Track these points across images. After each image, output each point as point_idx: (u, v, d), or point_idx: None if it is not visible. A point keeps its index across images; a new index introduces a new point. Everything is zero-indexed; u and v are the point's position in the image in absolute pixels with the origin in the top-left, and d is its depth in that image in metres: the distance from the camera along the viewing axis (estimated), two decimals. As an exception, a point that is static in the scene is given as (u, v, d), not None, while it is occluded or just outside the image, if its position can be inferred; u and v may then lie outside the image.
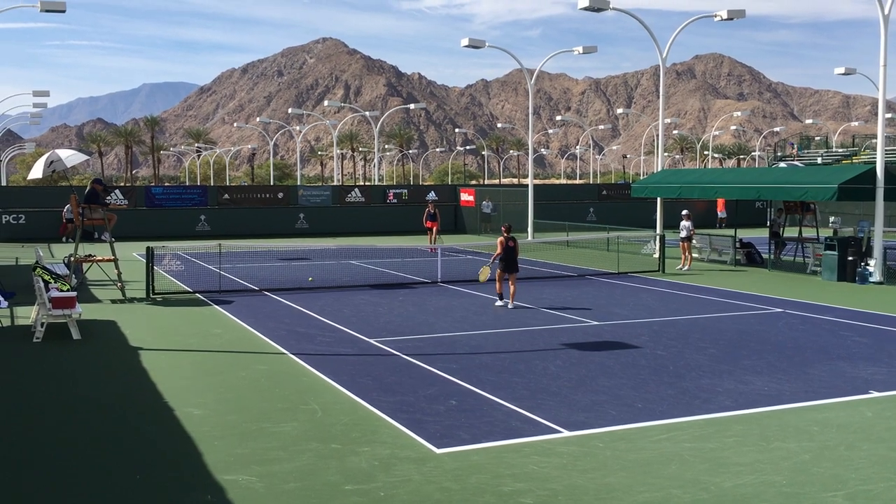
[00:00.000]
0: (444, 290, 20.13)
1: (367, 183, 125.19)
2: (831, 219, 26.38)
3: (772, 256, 26.04)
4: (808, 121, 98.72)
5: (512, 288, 17.31)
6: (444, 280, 21.58)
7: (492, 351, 12.95)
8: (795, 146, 60.15)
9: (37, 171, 18.49)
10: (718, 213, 45.04)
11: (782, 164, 49.36)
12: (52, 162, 18.45)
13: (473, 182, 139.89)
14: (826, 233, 27.08)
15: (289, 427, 8.93)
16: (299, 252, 29.98)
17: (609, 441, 8.44)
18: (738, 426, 8.98)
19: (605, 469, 7.64)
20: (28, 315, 15.74)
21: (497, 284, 17.68)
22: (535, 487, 7.18)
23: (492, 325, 15.25)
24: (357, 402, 9.90)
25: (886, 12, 21.66)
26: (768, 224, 28.16)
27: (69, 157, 19.00)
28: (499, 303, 17.57)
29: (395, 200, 44.88)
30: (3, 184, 75.25)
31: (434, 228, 31.63)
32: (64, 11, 25.92)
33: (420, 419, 9.15)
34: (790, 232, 28.48)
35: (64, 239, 34.99)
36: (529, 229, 35.58)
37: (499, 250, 17.29)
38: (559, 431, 8.74)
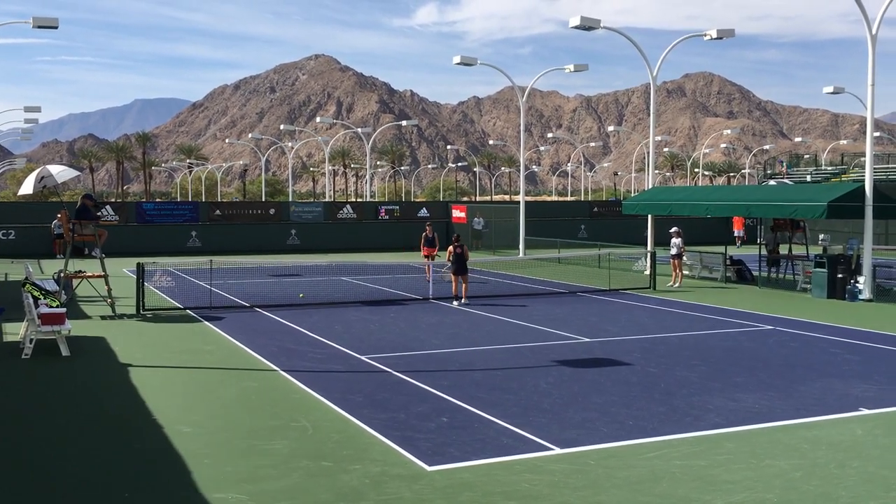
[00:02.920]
0: (436, 307, 20.12)
1: (359, 199, 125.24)
2: (821, 236, 26.44)
3: (765, 274, 26.08)
4: (798, 139, 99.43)
5: (464, 286, 20.41)
6: (436, 297, 21.57)
7: (483, 368, 12.93)
8: (785, 164, 60.59)
9: (27, 187, 18.48)
10: (735, 231, 44.63)
11: (772, 182, 49.74)
12: (42, 177, 18.44)
13: (465, 199, 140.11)
14: (815, 250, 27.18)
15: (279, 444, 8.89)
16: (291, 268, 29.93)
17: (600, 458, 8.44)
18: (729, 444, 8.98)
19: (596, 487, 7.63)
20: (17, 331, 15.66)
21: (453, 287, 20.53)
22: (527, 505, 7.15)
23: (483, 342, 15.24)
24: (348, 420, 9.87)
25: (874, 32, 21.88)
26: (763, 242, 28.12)
27: (60, 172, 19.00)
28: (455, 303, 20.03)
29: (387, 217, 44.93)
30: (-7, 199, 74.95)
31: (433, 255, 26.41)
32: (56, 27, 25.94)
33: (411, 436, 9.13)
34: (780, 249, 28.55)
35: (58, 256, 34.81)
36: (521, 246, 35.61)
37: (448, 257, 20.69)
38: (550, 449, 8.73)
